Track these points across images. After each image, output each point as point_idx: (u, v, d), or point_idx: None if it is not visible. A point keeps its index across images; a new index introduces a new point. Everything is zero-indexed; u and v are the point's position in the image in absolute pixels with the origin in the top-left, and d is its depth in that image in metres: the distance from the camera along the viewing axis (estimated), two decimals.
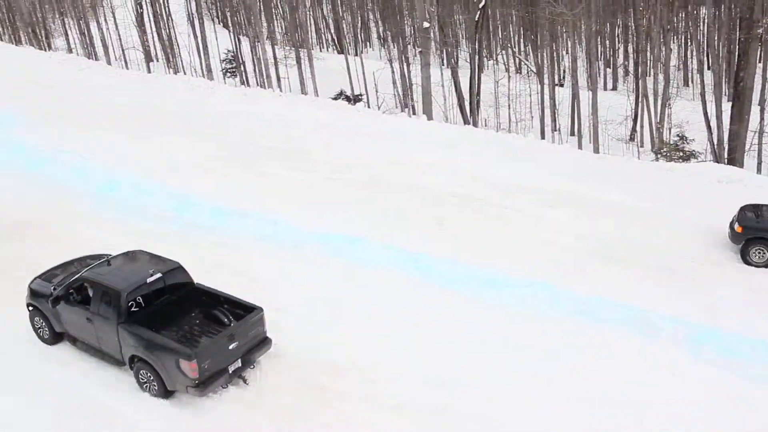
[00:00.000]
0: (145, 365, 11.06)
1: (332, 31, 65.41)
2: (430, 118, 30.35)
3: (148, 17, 53.95)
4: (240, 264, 15.89)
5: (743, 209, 16.54)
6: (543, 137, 37.95)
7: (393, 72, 42.25)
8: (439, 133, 24.64)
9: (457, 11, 55.97)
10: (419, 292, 14.64)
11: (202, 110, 27.56)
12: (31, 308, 12.76)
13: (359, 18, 64.58)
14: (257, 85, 44.86)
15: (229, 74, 49.41)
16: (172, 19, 53.18)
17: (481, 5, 36.74)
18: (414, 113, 36.54)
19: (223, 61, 49.93)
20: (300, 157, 22.14)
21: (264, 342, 11.86)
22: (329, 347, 12.82)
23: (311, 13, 65.84)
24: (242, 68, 48.59)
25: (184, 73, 44.53)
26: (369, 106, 37.41)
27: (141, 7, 52.75)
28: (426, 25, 34.05)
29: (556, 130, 40.99)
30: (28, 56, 40.48)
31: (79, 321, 11.99)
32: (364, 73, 42.08)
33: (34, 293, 12.72)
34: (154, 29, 54.09)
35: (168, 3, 52.66)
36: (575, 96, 37.70)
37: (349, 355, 12.61)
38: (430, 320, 13.68)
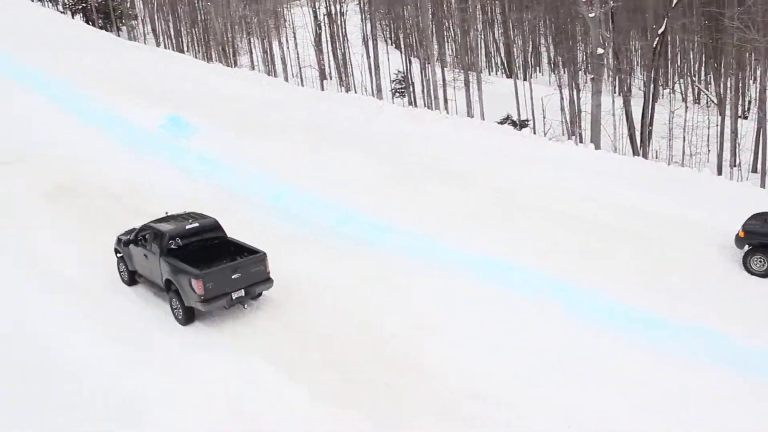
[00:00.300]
0: (175, 293, 14.23)
1: (502, 54, 65.21)
2: (597, 147, 29.35)
3: (326, 38, 56.53)
4: (394, 280, 16.16)
5: (754, 216, 16.04)
6: (720, 173, 35.51)
7: (562, 98, 41.38)
8: (606, 163, 23.75)
9: (634, 37, 53.94)
10: (567, 324, 14.16)
11: (369, 128, 28.37)
12: (117, 255, 16.31)
13: (530, 42, 63.90)
14: (425, 105, 45.57)
15: (397, 94, 50.59)
16: (347, 40, 55.36)
17: (660, 31, 35.16)
18: (581, 141, 35.51)
19: (393, 81, 51.22)
20: (462, 179, 22.18)
21: (266, 281, 14.73)
22: (473, 374, 12.67)
23: (482, 36, 65.99)
24: (411, 89, 49.59)
25: (355, 92, 46.14)
26: (535, 132, 36.83)
27: (320, 29, 55.37)
28: (600, 51, 33.06)
29: (735, 166, 38.22)
30: (217, 72, 43.68)
31: (140, 258, 15.34)
32: (532, 99, 41.52)
33: (118, 241, 16.38)
34: (330, 49, 56.62)
35: (345, 25, 54.86)
36: (761, 129, 34.99)
37: (491, 382, 12.40)
38: (575, 358, 13.15)
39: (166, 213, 16.41)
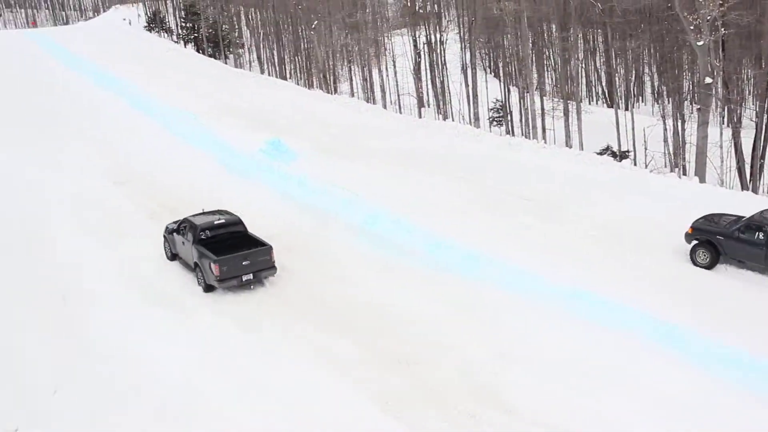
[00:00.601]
0: (199, 269, 17.79)
1: (603, 83, 63.86)
2: (702, 180, 28.17)
3: (425, 66, 57.05)
4: (483, 310, 15.96)
5: (706, 216, 17.79)
6: None
7: (665, 129, 40.01)
8: (712, 197, 22.74)
9: (746, 65, 51.66)
10: (669, 367, 13.53)
11: (465, 156, 28.33)
12: (165, 238, 19.96)
13: (633, 71, 62.30)
14: (522, 135, 45.11)
15: (495, 123, 50.34)
16: (446, 68, 55.66)
17: None
18: (685, 174, 34.17)
19: (491, 109, 51.04)
20: (558, 210, 21.77)
21: (270, 268, 17.80)
22: (563, 412, 12.30)
23: (583, 65, 64.91)
24: (509, 117, 49.24)
25: (453, 120, 46.24)
26: (636, 164, 35.74)
27: (419, 57, 55.98)
28: (708, 80, 31.83)
29: None
30: (317, 98, 44.84)
31: (179, 244, 19.08)
32: (633, 129, 40.37)
33: (166, 229, 19.98)
34: (428, 77, 57.06)
35: (444, 53, 55.20)
36: None
37: (576, 420, 12.00)
38: (681, 406, 12.53)
39: (203, 210, 19.83)
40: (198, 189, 25.21)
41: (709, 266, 17.16)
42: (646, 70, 63.62)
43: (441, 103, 54.60)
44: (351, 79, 62.67)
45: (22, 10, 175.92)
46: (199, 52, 77.56)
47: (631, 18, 47.76)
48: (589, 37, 62.63)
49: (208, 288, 17.60)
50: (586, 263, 17.96)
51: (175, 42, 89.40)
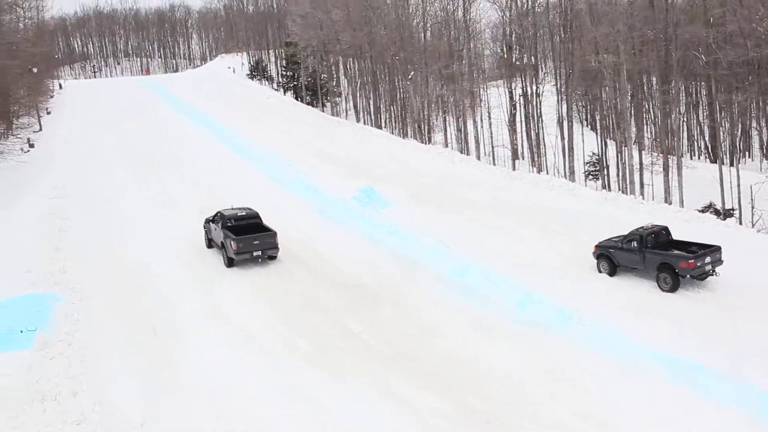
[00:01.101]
0: (223, 248, 23.75)
1: (706, 138, 61.81)
2: None
3: (520, 118, 56.89)
4: (571, 369, 15.55)
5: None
6: None
7: None
8: None
9: None
10: None
11: (560, 209, 27.94)
12: (204, 228, 26.12)
13: (739, 125, 60.09)
14: (619, 189, 44.07)
15: (591, 177, 49.48)
16: (542, 121, 55.22)
17: None
18: None
19: (587, 163, 50.23)
20: None
21: (274, 248, 23.78)
22: None
23: (685, 118, 63.21)
24: (605, 171, 48.29)
25: (547, 173, 45.73)
26: (741, 223, 34.25)
27: (515, 109, 55.94)
28: None
29: None
30: (411, 148, 45.48)
31: (213, 230, 25.20)
32: (738, 186, 38.79)
33: (205, 220, 26.36)
34: (524, 129, 56.82)
35: (540, 105, 54.95)
36: None
37: None
38: None
39: (231, 206, 26.45)
40: (289, 237, 25.86)
41: (610, 273, 21.01)
42: (754, 124, 61.28)
43: (535, 155, 54.16)
44: (445, 130, 63.20)
45: (137, 59, 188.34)
46: (297, 100, 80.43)
47: (738, 70, 46.28)
48: (691, 90, 61.04)
49: (230, 262, 23.53)
50: (681, 325, 17.19)
51: (276, 90, 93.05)
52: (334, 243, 25.34)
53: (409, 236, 24.63)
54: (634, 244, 20.63)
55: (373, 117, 70.48)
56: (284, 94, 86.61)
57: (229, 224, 24.17)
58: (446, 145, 57.18)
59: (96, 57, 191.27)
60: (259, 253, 23.47)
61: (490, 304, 19.12)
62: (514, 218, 26.78)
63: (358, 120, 70.08)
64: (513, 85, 55.82)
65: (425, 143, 52.41)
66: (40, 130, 54.41)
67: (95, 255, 24.83)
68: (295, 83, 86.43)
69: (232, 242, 23.03)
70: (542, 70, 66.34)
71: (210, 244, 25.67)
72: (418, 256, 22.88)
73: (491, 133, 58.71)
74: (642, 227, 21.42)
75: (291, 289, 21.44)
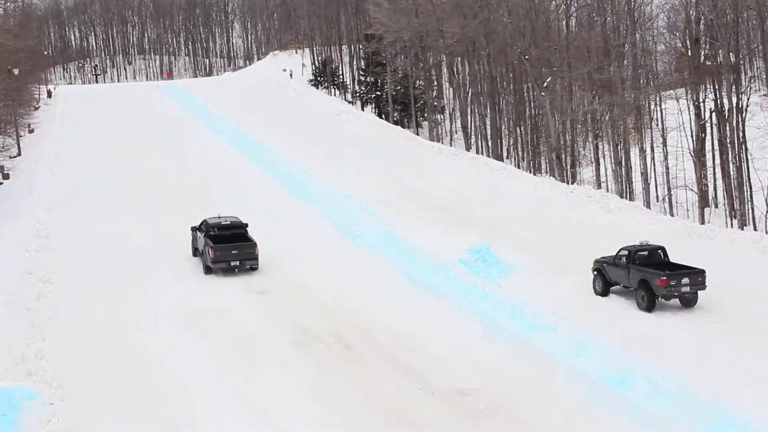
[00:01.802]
0: (201, 254, 32.68)
1: None
2: None
3: (712, 144, 55.62)
4: None
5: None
6: None
7: None
8: None
9: None
10: None
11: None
12: (191, 236, 34.80)
13: None
14: None
15: None
16: (747, 149, 53.56)
17: None
18: None
19: None
20: None
21: (253, 259, 31.94)
22: None
23: None
24: None
25: (755, 229, 44.55)
26: None
27: (704, 132, 54.71)
28: None
29: None
30: (545, 188, 45.17)
31: (197, 238, 33.52)
32: None
33: (191, 229, 34.75)
34: (717, 162, 55.47)
35: (744, 126, 53.57)
36: None
37: None
38: None
39: (218, 215, 33.66)
40: (363, 314, 25.94)
41: (602, 294, 27.60)
42: None
43: (737, 202, 52.78)
44: (597, 162, 62.55)
45: (156, 57, 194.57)
46: (381, 117, 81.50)
47: None
48: None
49: (207, 270, 31.81)
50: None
51: (350, 102, 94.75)
52: (432, 327, 25.24)
53: (540, 319, 24.26)
54: (623, 259, 27.09)
55: (490, 143, 70.63)
56: (362, 108, 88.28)
57: (211, 233, 32.30)
58: (599, 186, 56.59)
59: (99, 54, 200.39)
60: (237, 263, 31.64)
61: (663, 426, 18.50)
62: (703, 296, 25.99)
63: (468, 147, 70.35)
64: (701, 95, 54.82)
65: (567, 182, 52.08)
66: (19, 154, 57.19)
67: (84, 333, 25.50)
68: (378, 93, 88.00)
69: (210, 250, 31.25)
70: (746, 74, 65.11)
71: (195, 252, 34.26)
72: (554, 351, 22.47)
73: (667, 168, 57.65)
74: (636, 244, 27.78)
75: (370, 396, 21.22)
